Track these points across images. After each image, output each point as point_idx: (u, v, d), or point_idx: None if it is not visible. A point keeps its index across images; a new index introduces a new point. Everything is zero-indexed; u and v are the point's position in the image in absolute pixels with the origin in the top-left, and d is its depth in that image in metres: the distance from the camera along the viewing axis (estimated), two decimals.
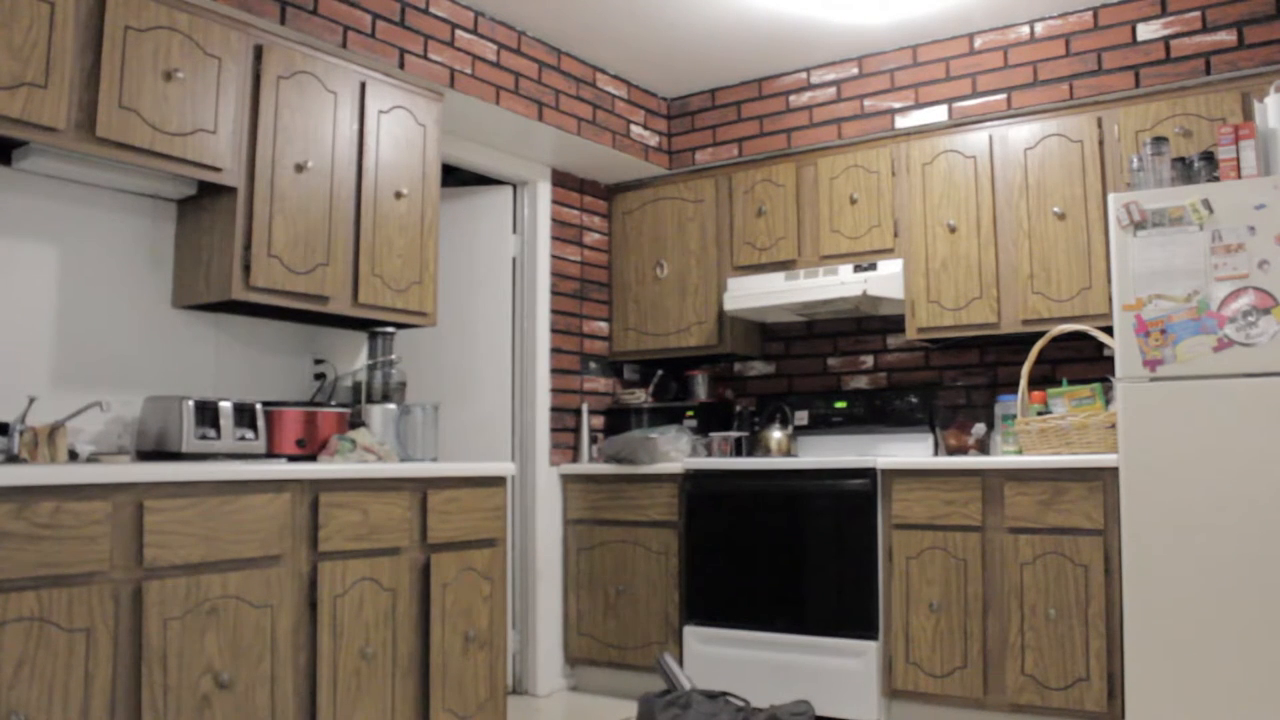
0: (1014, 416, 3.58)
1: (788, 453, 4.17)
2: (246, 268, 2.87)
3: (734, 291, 4.23)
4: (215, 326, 3.14)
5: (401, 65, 3.36)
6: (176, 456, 2.73)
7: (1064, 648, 3.21)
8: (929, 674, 3.44)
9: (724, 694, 3.54)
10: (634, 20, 3.77)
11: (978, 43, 3.86)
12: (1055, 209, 3.65)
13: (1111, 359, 3.21)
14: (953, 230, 3.84)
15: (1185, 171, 3.13)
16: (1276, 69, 3.29)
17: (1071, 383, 3.61)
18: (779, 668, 3.67)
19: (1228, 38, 3.38)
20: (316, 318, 3.26)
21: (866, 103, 4.08)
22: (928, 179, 3.92)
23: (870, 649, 3.54)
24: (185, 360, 3.06)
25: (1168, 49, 3.49)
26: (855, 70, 4.12)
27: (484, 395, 4.12)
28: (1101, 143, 3.59)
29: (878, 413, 4.13)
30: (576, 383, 4.46)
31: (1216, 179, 3.06)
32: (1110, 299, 3.30)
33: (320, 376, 3.39)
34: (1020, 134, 3.75)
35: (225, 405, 2.87)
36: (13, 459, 2.49)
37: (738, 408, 4.47)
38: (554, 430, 4.30)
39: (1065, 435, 3.35)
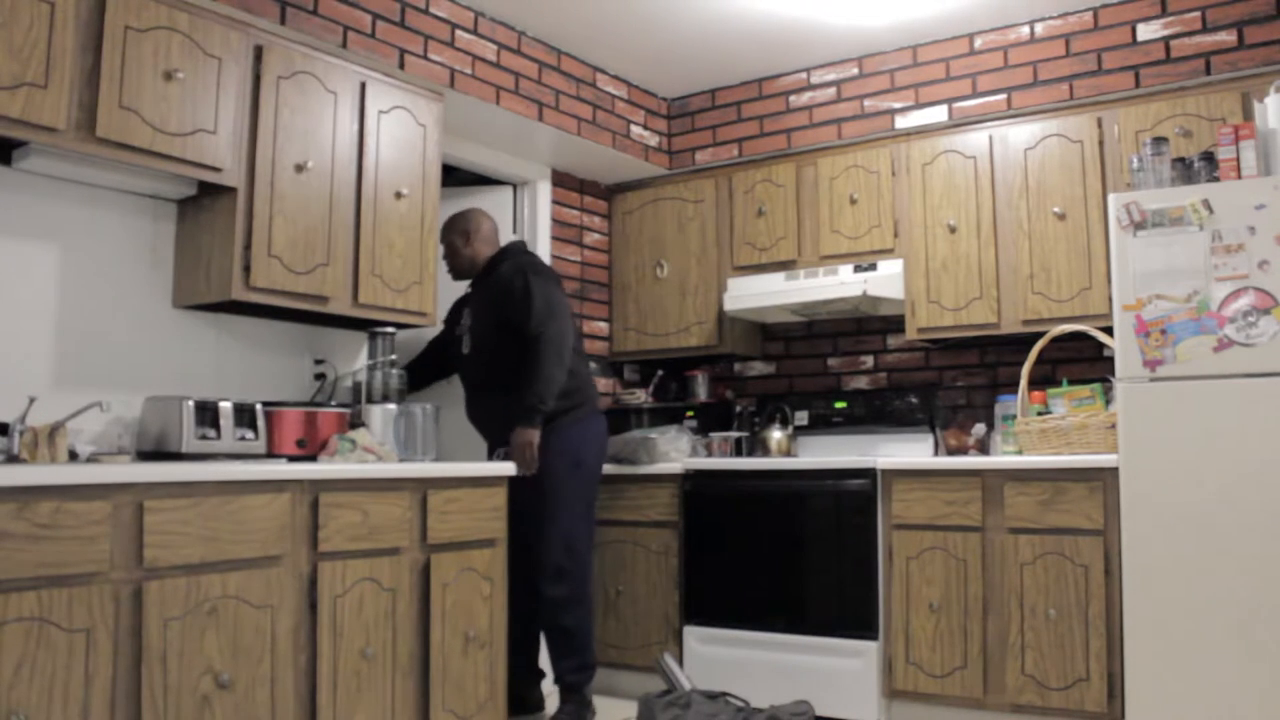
0: (1014, 417, 3.58)
1: (788, 453, 4.17)
2: (246, 268, 2.87)
3: (734, 292, 4.23)
4: (215, 326, 3.14)
5: (401, 65, 3.36)
6: (177, 457, 2.73)
7: (1064, 648, 3.21)
8: (929, 674, 3.44)
9: (724, 694, 3.54)
10: (634, 20, 3.77)
11: (978, 43, 3.86)
12: (1055, 209, 3.65)
13: (1111, 359, 3.21)
14: (953, 230, 3.84)
15: (1185, 172, 3.13)
16: (1276, 69, 3.29)
17: (1071, 383, 3.61)
18: (779, 668, 3.67)
19: (1228, 38, 3.38)
20: (316, 318, 3.26)
21: (866, 103, 4.08)
22: (928, 179, 3.92)
23: (870, 649, 3.54)
24: (185, 360, 3.05)
25: (1168, 49, 3.49)
26: (855, 70, 4.12)
27: None
28: (1101, 143, 3.59)
29: (878, 413, 4.13)
30: None
31: (1216, 179, 3.06)
32: (1110, 299, 3.29)
33: (320, 376, 3.40)
34: (1020, 134, 3.75)
35: (225, 405, 2.87)
36: (13, 459, 2.49)
37: (738, 408, 4.47)
38: None
39: (1065, 435, 3.35)
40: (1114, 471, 3.14)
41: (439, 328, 3.71)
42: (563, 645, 3.54)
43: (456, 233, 3.67)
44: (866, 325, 4.38)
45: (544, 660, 3.78)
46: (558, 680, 3.58)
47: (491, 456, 3.52)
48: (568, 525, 3.53)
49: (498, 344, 3.50)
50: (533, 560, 3.55)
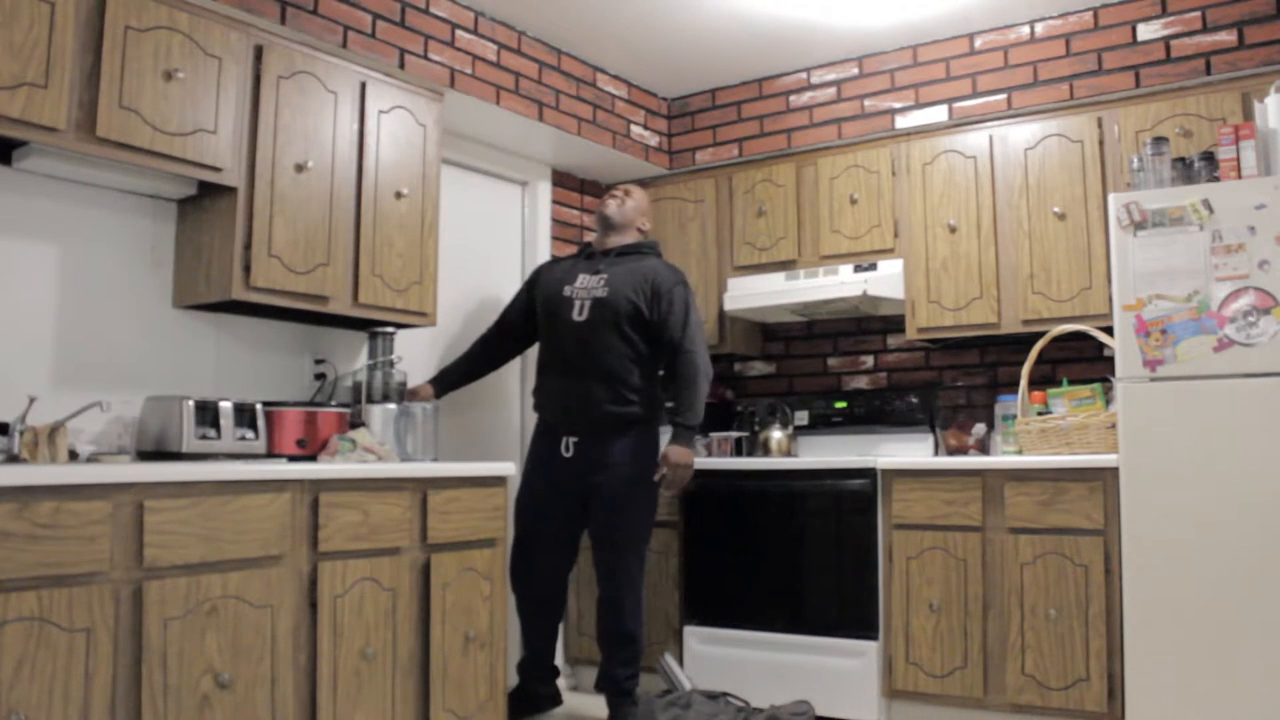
0: (1014, 416, 3.58)
1: (788, 453, 4.17)
2: (246, 268, 2.87)
3: (734, 291, 4.23)
4: (215, 326, 3.14)
5: (402, 65, 3.36)
6: (177, 456, 2.73)
7: (1064, 648, 3.21)
8: (929, 674, 3.44)
9: (724, 694, 3.55)
10: (634, 20, 3.77)
11: (978, 43, 3.86)
12: (1055, 209, 3.65)
13: (1112, 359, 3.21)
14: (953, 230, 3.84)
15: (1185, 171, 3.13)
16: (1276, 69, 3.29)
17: (1072, 383, 3.61)
18: (779, 668, 3.67)
19: (1228, 38, 3.38)
20: (316, 318, 3.26)
21: (866, 103, 4.08)
22: (928, 179, 3.92)
23: (870, 649, 3.54)
24: (185, 360, 3.05)
25: (1168, 49, 3.49)
26: (855, 70, 4.12)
27: (491, 395, 4.10)
28: (1101, 143, 3.59)
29: (878, 413, 4.13)
30: None
31: (1216, 179, 3.06)
32: (1110, 299, 3.30)
33: (320, 376, 3.39)
34: (1020, 134, 3.75)
35: (225, 405, 2.87)
36: (13, 459, 2.49)
37: (738, 408, 4.47)
38: None
39: (1065, 435, 3.35)
40: (1114, 471, 3.14)
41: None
42: (625, 652, 3.46)
43: (638, 196, 3.71)
44: (866, 325, 4.38)
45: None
46: (611, 686, 3.48)
47: (560, 444, 3.44)
48: (645, 532, 3.51)
49: (620, 329, 3.43)
50: (558, 557, 3.52)
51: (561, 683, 3.76)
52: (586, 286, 3.50)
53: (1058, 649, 3.22)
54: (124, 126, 2.59)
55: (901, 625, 3.50)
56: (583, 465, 3.43)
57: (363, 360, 3.43)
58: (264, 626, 2.46)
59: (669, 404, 3.54)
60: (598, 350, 3.44)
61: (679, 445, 3.44)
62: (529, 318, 3.68)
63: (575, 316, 3.47)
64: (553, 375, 3.54)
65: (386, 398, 3.27)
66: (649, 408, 3.50)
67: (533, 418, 3.76)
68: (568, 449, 3.45)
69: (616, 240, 3.62)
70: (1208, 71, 3.41)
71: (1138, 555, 3.02)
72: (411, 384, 3.50)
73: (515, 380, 4.20)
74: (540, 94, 3.89)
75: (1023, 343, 3.74)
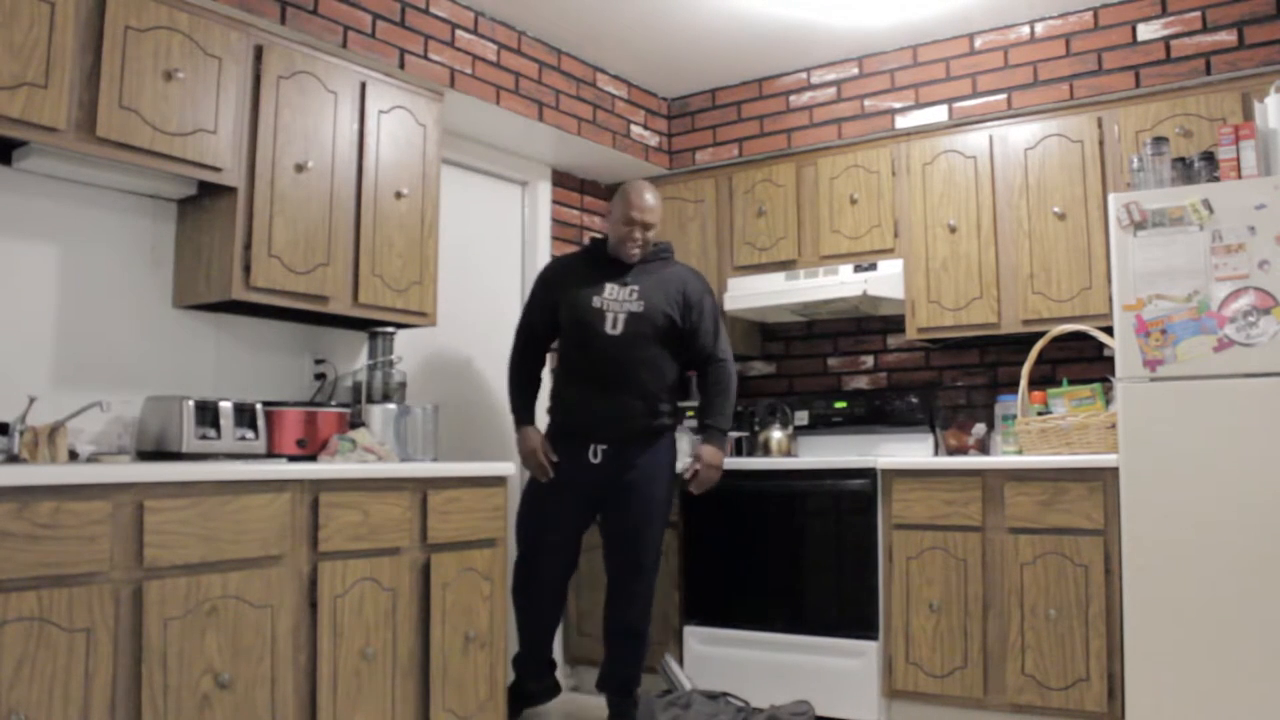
0: (1014, 416, 3.58)
1: (788, 453, 4.17)
2: (247, 268, 2.87)
3: (734, 291, 4.23)
4: (215, 326, 3.14)
5: (402, 65, 3.37)
6: (177, 456, 2.73)
7: (1064, 648, 3.21)
8: (929, 674, 3.44)
9: (724, 694, 3.55)
10: (634, 20, 3.77)
11: (978, 43, 3.86)
12: (1055, 209, 3.65)
13: (1112, 359, 3.21)
14: (953, 230, 3.84)
15: (1185, 171, 3.13)
16: (1276, 69, 3.29)
17: (1072, 383, 3.61)
18: (779, 668, 3.67)
19: (1228, 38, 3.38)
20: (317, 318, 3.26)
21: (866, 103, 4.08)
22: (928, 179, 3.92)
23: (870, 649, 3.54)
24: (185, 360, 3.05)
25: (1168, 49, 3.49)
26: (855, 70, 4.12)
27: (490, 396, 4.10)
28: (1101, 143, 3.59)
29: (878, 413, 4.13)
30: None
31: (1216, 179, 3.06)
32: (1110, 299, 3.30)
33: (320, 376, 3.39)
34: (1020, 134, 3.75)
35: (225, 405, 2.87)
36: (13, 459, 2.49)
37: (738, 408, 4.46)
38: None
39: (1065, 435, 3.35)
40: (1114, 471, 3.14)
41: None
42: (636, 650, 3.45)
43: (652, 208, 3.47)
44: (866, 325, 4.38)
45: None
46: (613, 684, 3.46)
47: (587, 450, 3.37)
48: (662, 533, 3.50)
49: (656, 343, 3.40)
50: (565, 560, 3.50)
51: (560, 675, 3.75)
52: (618, 298, 3.40)
53: (1058, 649, 3.22)
54: (124, 126, 2.59)
55: (901, 625, 3.50)
56: (610, 470, 3.39)
57: (363, 360, 3.43)
58: (264, 626, 2.46)
59: (700, 406, 3.60)
60: (634, 365, 3.37)
61: (712, 446, 3.48)
62: (553, 316, 3.53)
63: (609, 330, 3.37)
64: (581, 386, 3.43)
65: (387, 398, 3.27)
66: (675, 415, 3.55)
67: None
68: (595, 455, 3.38)
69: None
70: (1208, 71, 3.41)
71: (1138, 555, 3.02)
72: (411, 387, 3.49)
73: None
74: (540, 94, 3.89)
75: (1023, 343, 3.73)
